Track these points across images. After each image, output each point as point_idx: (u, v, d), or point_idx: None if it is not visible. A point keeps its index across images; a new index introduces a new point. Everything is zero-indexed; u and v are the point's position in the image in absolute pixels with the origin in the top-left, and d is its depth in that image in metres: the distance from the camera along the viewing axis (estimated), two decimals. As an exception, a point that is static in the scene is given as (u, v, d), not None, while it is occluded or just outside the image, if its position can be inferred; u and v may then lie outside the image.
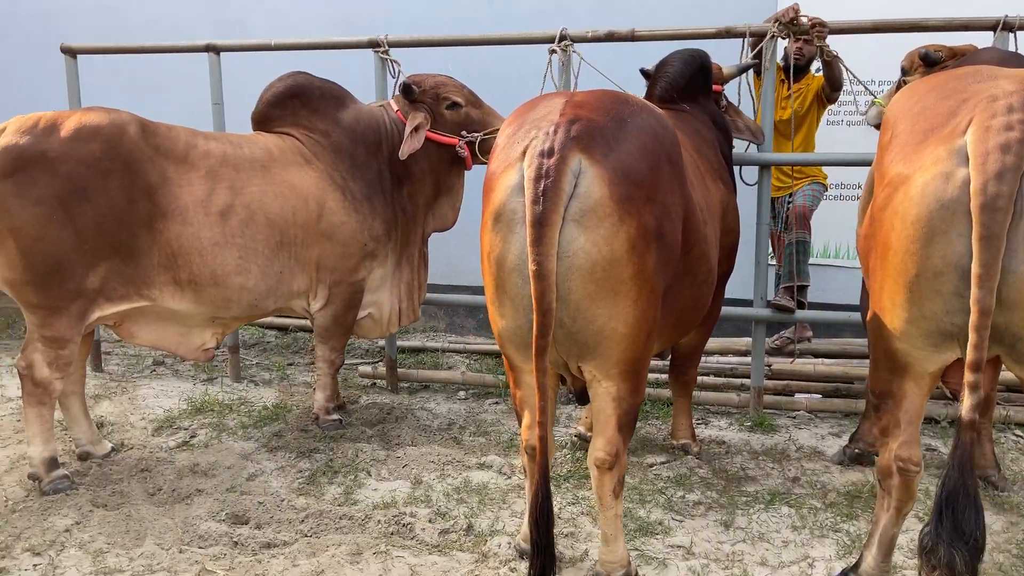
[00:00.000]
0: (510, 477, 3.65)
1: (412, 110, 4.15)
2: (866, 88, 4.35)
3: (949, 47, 3.80)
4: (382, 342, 5.61)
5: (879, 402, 2.57)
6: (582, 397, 2.90)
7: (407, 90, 4.11)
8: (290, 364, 5.59)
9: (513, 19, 5.58)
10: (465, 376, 4.98)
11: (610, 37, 4.36)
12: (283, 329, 6.24)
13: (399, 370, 5.01)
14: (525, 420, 2.74)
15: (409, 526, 3.20)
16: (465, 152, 4.21)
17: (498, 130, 4.18)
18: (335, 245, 3.97)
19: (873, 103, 4.18)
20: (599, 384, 2.59)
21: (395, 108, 4.20)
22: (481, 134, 4.20)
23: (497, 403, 4.72)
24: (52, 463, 3.54)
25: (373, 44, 4.65)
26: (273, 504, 3.42)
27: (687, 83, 3.58)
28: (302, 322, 6.00)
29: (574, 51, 4.39)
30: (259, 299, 3.84)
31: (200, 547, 3.08)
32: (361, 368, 5.19)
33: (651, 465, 3.75)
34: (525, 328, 2.51)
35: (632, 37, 4.33)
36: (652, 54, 4.47)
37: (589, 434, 3.87)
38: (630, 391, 2.60)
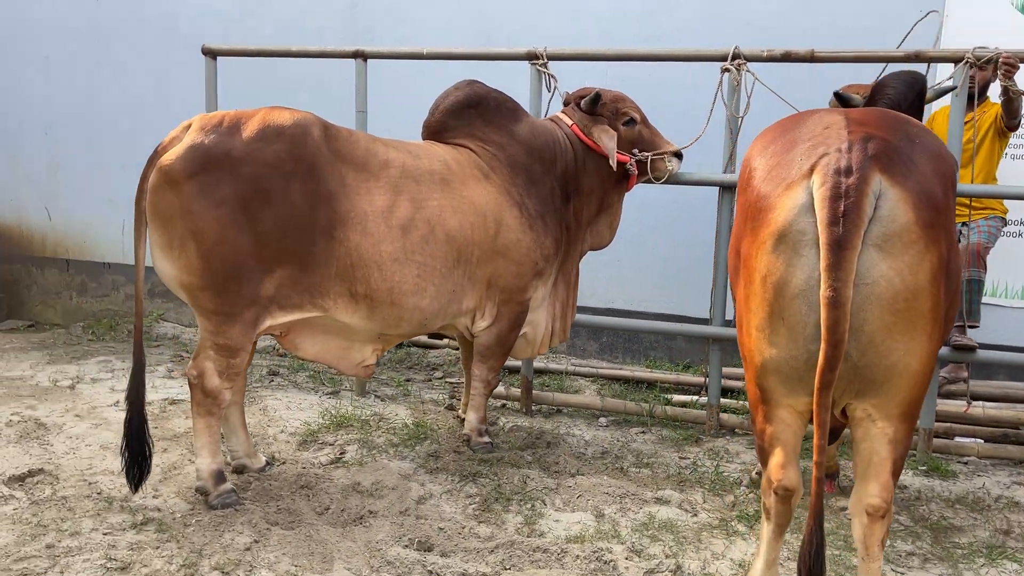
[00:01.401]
0: (696, 515, 3.45)
1: (593, 123, 4.01)
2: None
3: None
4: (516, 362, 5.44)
5: None
6: (833, 435, 2.70)
7: (594, 102, 3.96)
8: (407, 380, 5.43)
9: (659, 36, 5.41)
10: (605, 402, 4.79)
11: (787, 57, 4.19)
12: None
13: (533, 392, 4.83)
14: (776, 459, 2.54)
15: (611, 564, 3.00)
16: (635, 171, 4.08)
17: (665, 152, 4.11)
18: (509, 263, 3.81)
19: None
20: (873, 424, 2.39)
21: (569, 122, 4.05)
22: (651, 153, 4.07)
23: (644, 432, 4.51)
24: (220, 476, 3.39)
25: (531, 56, 4.51)
26: (454, 530, 3.23)
27: (908, 106, 3.39)
28: (417, 337, 5.85)
29: (747, 70, 4.23)
30: (430, 318, 3.68)
31: (392, 574, 2.90)
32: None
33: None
34: (801, 359, 2.32)
35: (811, 58, 4.15)
36: (826, 76, 4.34)
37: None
38: (907, 433, 2.40)
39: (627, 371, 5.34)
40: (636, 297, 5.65)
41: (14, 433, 4.08)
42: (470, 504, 3.48)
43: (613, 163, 3.93)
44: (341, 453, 3.99)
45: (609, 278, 5.65)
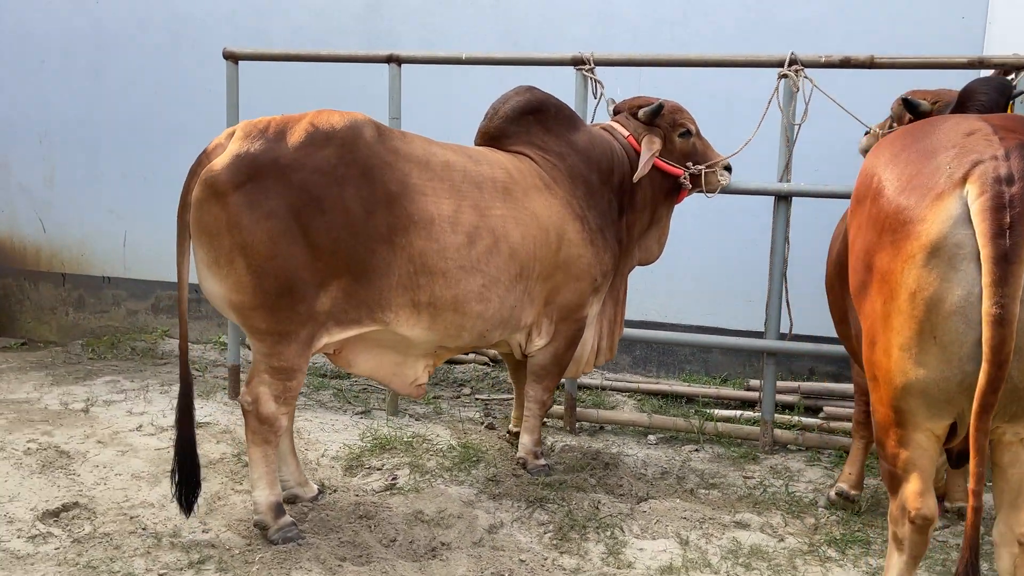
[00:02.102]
0: (782, 539, 3.29)
1: (648, 133, 3.85)
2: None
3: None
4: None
5: None
6: (960, 460, 2.56)
7: (656, 113, 3.81)
8: (436, 397, 5.21)
9: (694, 42, 5.28)
10: (653, 419, 4.62)
11: (846, 63, 4.08)
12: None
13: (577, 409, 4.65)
14: (912, 486, 2.39)
15: (714, 596, 2.83)
16: (688, 184, 3.94)
17: (718, 164, 3.97)
18: (569, 279, 3.62)
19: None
20: (1024, 449, 2.26)
21: (625, 132, 3.89)
22: (705, 166, 3.93)
23: (698, 450, 4.36)
24: (280, 509, 3.16)
25: (577, 62, 4.35)
26: (536, 563, 3.04)
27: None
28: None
29: (805, 76, 4.11)
30: (491, 329, 3.48)
31: (485, 614, 2.70)
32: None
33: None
34: (953, 381, 2.18)
35: (871, 64, 4.04)
36: (887, 83, 4.24)
37: (854, 492, 3.53)
38: (1061, 458, 2.27)
39: (665, 385, 5.19)
40: (670, 309, 5.50)
41: (35, 463, 3.80)
42: (545, 533, 3.29)
43: (642, 171, 3.74)
44: (393, 479, 3.77)
45: (642, 289, 5.49)
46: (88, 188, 6.44)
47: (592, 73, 4.35)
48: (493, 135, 3.73)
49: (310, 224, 2.97)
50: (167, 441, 4.17)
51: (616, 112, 4.08)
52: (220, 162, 2.93)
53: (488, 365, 5.74)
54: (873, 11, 5.07)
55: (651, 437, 4.54)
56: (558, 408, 4.69)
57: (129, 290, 6.45)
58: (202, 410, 4.69)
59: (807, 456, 4.31)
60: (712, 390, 5.11)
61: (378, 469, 3.90)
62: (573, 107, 4.32)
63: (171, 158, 6.22)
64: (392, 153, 3.16)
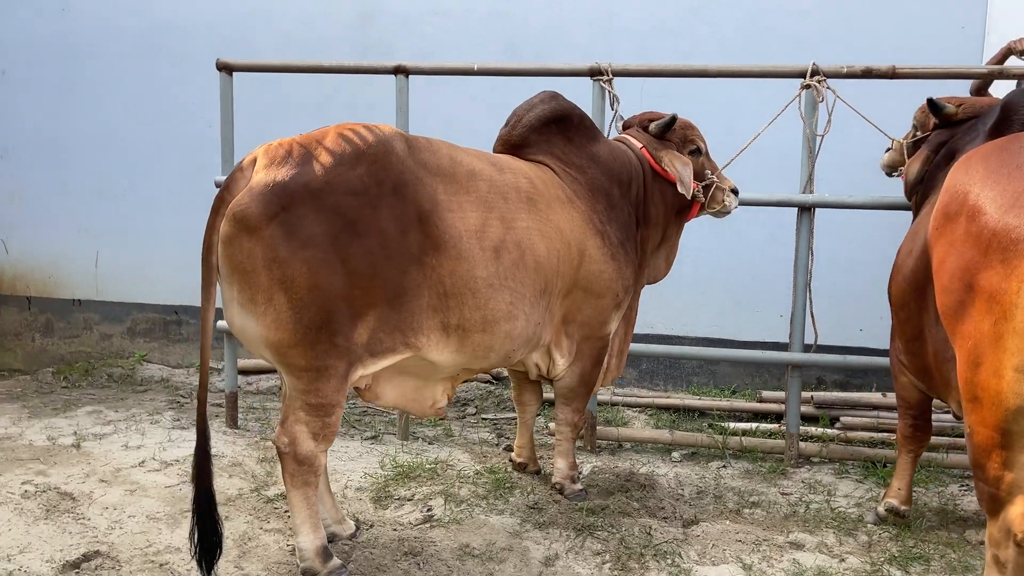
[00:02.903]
0: (842, 559, 3.23)
1: (661, 148, 3.78)
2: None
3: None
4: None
5: None
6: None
7: (669, 126, 3.74)
8: (441, 419, 5.04)
9: (696, 52, 5.24)
10: (675, 436, 4.54)
11: (868, 74, 4.07)
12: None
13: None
14: (1018, 508, 2.33)
15: (797, 625, 2.75)
16: (703, 198, 3.87)
17: (727, 185, 3.90)
18: (589, 297, 3.50)
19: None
20: None
21: (638, 145, 3.80)
22: (716, 182, 3.88)
23: (724, 466, 4.29)
24: (327, 553, 2.95)
25: (595, 72, 4.26)
26: (604, 597, 2.91)
27: (1042, 127, 3.29)
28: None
29: (827, 87, 4.09)
30: (517, 348, 3.32)
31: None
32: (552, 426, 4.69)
33: (981, 542, 3.39)
34: (1076, 403, 2.13)
35: (893, 74, 4.05)
36: (907, 93, 4.25)
37: (904, 508, 3.49)
38: None
39: (677, 400, 5.12)
40: (676, 321, 5.45)
41: (38, 507, 3.51)
42: (603, 563, 3.16)
43: (688, 192, 3.69)
44: (429, 510, 3.59)
45: (647, 302, 5.41)
46: (57, 206, 6.08)
47: (610, 84, 4.26)
48: (515, 143, 3.58)
49: (347, 250, 2.75)
50: (175, 477, 3.93)
51: (626, 126, 3.99)
52: (247, 194, 2.69)
53: (491, 383, 5.59)
54: (875, 22, 5.11)
55: (675, 454, 4.46)
56: (578, 427, 4.57)
57: (102, 313, 6.11)
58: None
59: (834, 468, 4.29)
60: (725, 403, 5.06)
61: (409, 500, 3.72)
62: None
63: (148, 174, 5.94)
64: (422, 167, 2.98)
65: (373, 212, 2.81)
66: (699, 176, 3.87)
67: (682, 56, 5.20)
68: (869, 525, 3.54)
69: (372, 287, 2.83)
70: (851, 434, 4.59)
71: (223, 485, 3.82)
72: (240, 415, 4.86)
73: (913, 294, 2.81)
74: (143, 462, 4.11)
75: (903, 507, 3.49)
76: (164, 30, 5.80)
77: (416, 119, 4.99)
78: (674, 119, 3.76)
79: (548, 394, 4.81)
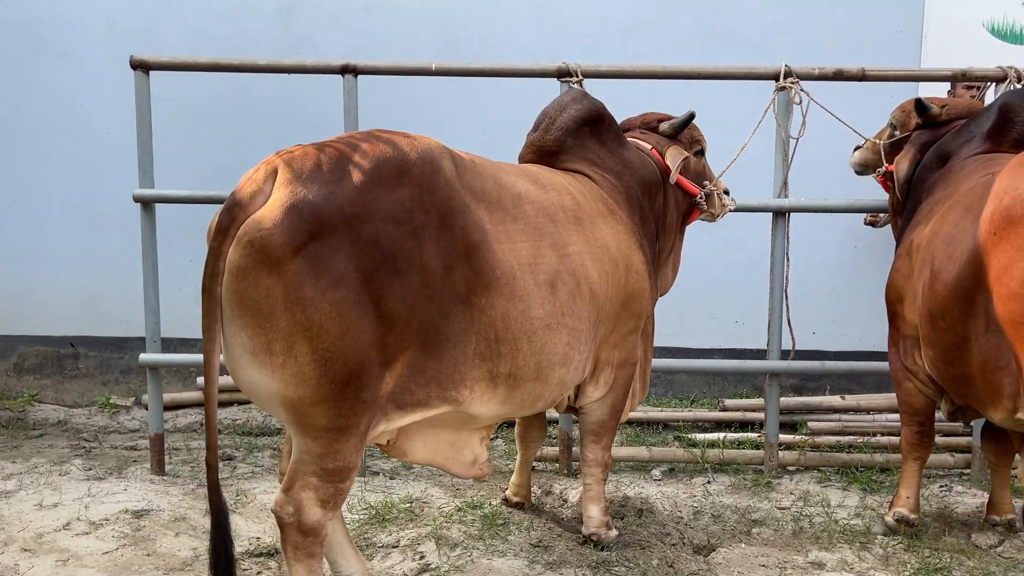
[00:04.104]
0: (868, 576, 3.12)
1: (670, 146, 3.56)
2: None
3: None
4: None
5: None
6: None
7: (686, 123, 3.54)
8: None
9: (645, 52, 5.09)
10: (653, 452, 4.35)
11: (839, 76, 4.03)
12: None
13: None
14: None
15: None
16: (704, 204, 3.67)
17: (722, 188, 3.74)
18: (629, 317, 3.16)
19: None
20: None
21: (648, 146, 3.57)
22: (715, 186, 3.69)
23: (708, 481, 4.13)
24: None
25: (563, 73, 4.02)
26: (649, 644, 2.66)
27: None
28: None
29: (801, 90, 4.01)
30: (563, 393, 2.98)
31: None
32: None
33: (991, 547, 3.36)
34: None
35: (863, 76, 4.02)
36: (876, 95, 4.25)
37: (913, 516, 3.42)
38: None
39: (640, 412, 4.94)
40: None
41: (-50, 593, 2.91)
42: (634, 604, 2.91)
43: (673, 177, 3.47)
44: (421, 558, 3.22)
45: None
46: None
47: (580, 87, 4.02)
48: (551, 150, 3.21)
49: (383, 289, 2.26)
50: (112, 540, 3.37)
51: (626, 129, 3.72)
52: (269, 216, 2.16)
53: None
54: (817, 25, 5.12)
55: (655, 472, 4.26)
56: (551, 450, 4.30)
57: (-17, 345, 5.33)
58: (126, 494, 3.89)
59: (814, 476, 4.21)
60: (689, 413, 4.92)
61: (395, 547, 3.33)
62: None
63: (33, 184, 5.23)
64: (468, 191, 2.54)
65: (416, 244, 2.31)
66: (703, 177, 3.67)
67: (632, 56, 5.04)
68: (880, 536, 3.45)
69: (407, 332, 2.34)
70: (818, 439, 4.54)
71: (171, 546, 3.32)
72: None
73: (958, 302, 2.71)
74: (68, 524, 3.51)
75: (912, 516, 3.42)
76: (51, 23, 5.11)
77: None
78: (692, 116, 3.53)
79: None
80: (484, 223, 2.55)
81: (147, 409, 4.56)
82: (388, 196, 2.28)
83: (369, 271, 2.23)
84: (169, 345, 5.33)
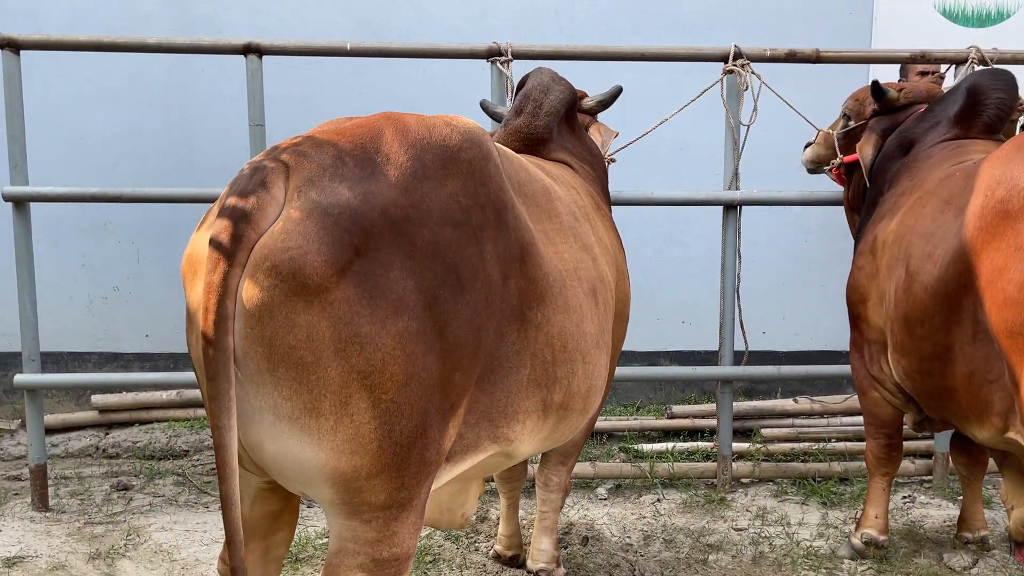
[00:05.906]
0: (841, 610, 2.81)
1: (595, 123, 3.22)
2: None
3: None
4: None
5: None
6: None
7: (615, 97, 3.15)
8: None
9: (577, 34, 4.72)
10: (597, 468, 3.99)
11: (791, 57, 3.72)
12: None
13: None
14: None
15: None
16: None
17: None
18: (619, 323, 2.74)
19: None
20: None
21: None
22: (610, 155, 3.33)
23: (658, 499, 3.80)
24: None
25: (493, 53, 3.62)
26: None
27: (1008, 114, 3.01)
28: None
29: (751, 71, 3.70)
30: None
31: None
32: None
33: (965, 568, 3.09)
34: None
35: (817, 58, 3.73)
36: (831, 77, 3.96)
37: (883, 538, 3.13)
38: None
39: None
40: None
41: None
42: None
43: (607, 159, 3.17)
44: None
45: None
46: None
47: (508, 67, 3.64)
48: (541, 137, 2.75)
49: (449, 312, 1.74)
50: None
51: None
52: (296, 229, 1.61)
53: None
54: (765, 7, 4.82)
55: (600, 490, 3.91)
56: (487, 469, 3.92)
57: None
58: (92, 528, 3.39)
59: (772, 490, 3.92)
60: (635, 422, 4.59)
61: (309, 595, 2.91)
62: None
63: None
64: (514, 184, 2.10)
65: (478, 251, 1.82)
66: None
67: (567, 37, 4.67)
68: (847, 561, 3.15)
69: (473, 366, 1.84)
70: (772, 447, 4.26)
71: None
72: (50, 489, 3.78)
73: (939, 307, 2.41)
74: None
75: (882, 537, 3.13)
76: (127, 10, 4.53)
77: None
78: (619, 91, 3.15)
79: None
80: (528, 220, 2.09)
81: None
82: (438, 192, 1.77)
83: (432, 290, 1.71)
84: (59, 360, 4.78)
